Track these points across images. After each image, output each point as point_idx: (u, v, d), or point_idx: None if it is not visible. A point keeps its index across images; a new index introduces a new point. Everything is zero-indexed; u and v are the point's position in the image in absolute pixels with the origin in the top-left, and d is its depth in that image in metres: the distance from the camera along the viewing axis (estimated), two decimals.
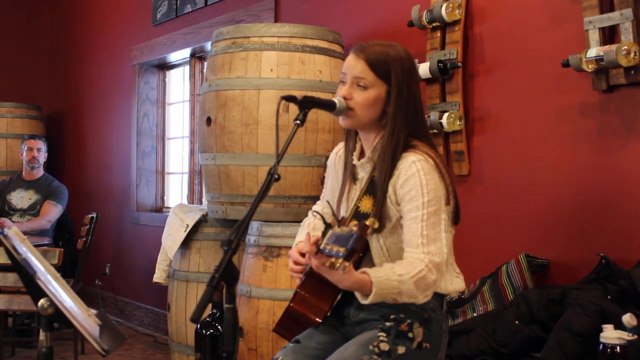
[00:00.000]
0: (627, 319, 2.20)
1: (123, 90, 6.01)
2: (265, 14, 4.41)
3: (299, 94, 2.01)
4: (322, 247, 1.75)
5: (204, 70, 5.02)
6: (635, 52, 2.54)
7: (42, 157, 5.64)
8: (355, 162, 2.09)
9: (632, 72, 2.59)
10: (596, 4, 2.67)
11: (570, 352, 2.35)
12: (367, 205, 2.02)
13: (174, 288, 3.87)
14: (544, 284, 2.89)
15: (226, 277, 1.70)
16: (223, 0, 4.82)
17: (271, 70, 3.40)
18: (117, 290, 6.02)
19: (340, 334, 2.09)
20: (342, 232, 1.73)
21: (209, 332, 3.04)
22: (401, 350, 1.94)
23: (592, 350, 2.30)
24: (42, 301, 1.66)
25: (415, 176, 1.93)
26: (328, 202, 2.21)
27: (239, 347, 3.18)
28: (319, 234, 1.92)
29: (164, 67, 5.85)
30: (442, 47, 3.28)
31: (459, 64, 3.17)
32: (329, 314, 2.04)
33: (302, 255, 2.06)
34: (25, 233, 4.35)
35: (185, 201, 5.48)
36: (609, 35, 2.68)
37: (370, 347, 1.94)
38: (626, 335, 2.18)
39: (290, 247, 2.48)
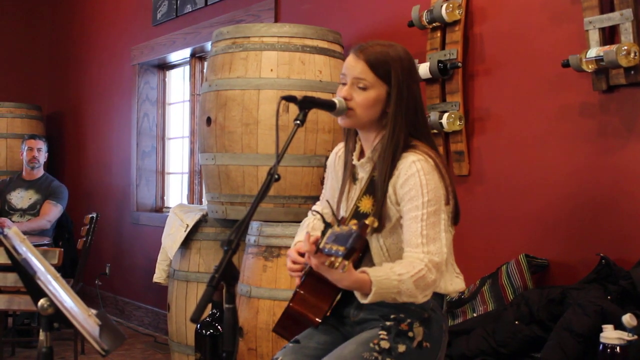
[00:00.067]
0: (627, 319, 2.20)
1: (123, 90, 6.01)
2: (265, 14, 4.41)
3: (299, 94, 2.01)
4: (321, 246, 1.75)
5: (204, 70, 5.02)
6: (635, 53, 2.54)
7: (43, 157, 5.64)
8: (355, 162, 2.09)
9: (632, 72, 2.59)
10: (596, 4, 2.68)
11: (570, 352, 2.35)
12: (366, 205, 2.02)
13: (174, 288, 3.87)
14: (544, 284, 2.89)
15: (226, 277, 1.70)
16: (223, 0, 4.82)
17: (271, 70, 3.40)
18: (117, 290, 6.02)
19: (340, 333, 2.09)
20: (342, 231, 1.73)
21: (209, 332, 3.04)
22: (401, 348, 1.94)
23: (592, 350, 2.30)
24: (42, 301, 1.66)
25: (415, 176, 1.93)
26: (328, 201, 2.22)
27: (239, 347, 3.18)
28: (319, 233, 1.92)
29: (164, 67, 5.85)
30: (442, 47, 3.28)
31: (459, 64, 3.17)
32: (328, 313, 2.04)
33: (301, 254, 2.06)
34: (25, 233, 4.35)
35: (185, 201, 5.48)
36: (609, 35, 2.69)
37: (371, 344, 1.94)
38: (626, 336, 2.18)
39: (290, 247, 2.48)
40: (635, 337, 2.19)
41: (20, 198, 5.47)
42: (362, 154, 2.10)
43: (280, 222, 3.34)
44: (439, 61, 3.20)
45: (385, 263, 1.94)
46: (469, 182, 3.24)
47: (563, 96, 2.89)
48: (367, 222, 1.75)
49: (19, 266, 1.67)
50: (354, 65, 2.00)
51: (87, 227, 4.65)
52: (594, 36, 2.67)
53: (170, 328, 3.94)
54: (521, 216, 3.04)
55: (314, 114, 3.20)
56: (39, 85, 7.26)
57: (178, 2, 5.27)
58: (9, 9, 7.15)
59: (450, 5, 3.17)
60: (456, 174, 3.24)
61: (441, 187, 1.95)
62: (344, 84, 2.02)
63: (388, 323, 1.97)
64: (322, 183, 3.31)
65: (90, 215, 4.76)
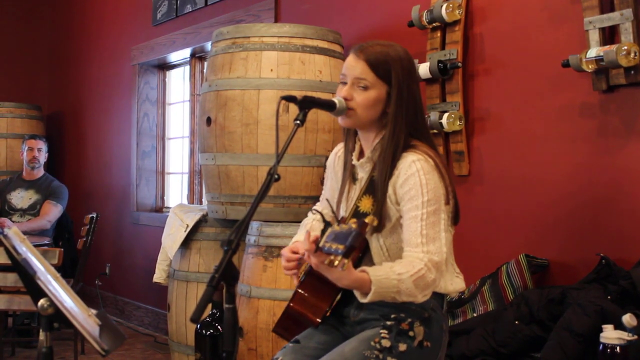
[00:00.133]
0: (627, 319, 2.20)
1: (123, 90, 6.01)
2: (265, 14, 4.41)
3: (299, 94, 2.01)
4: (321, 244, 1.75)
5: (204, 70, 5.02)
6: (635, 53, 2.54)
7: (43, 157, 5.64)
8: (354, 162, 2.09)
9: (632, 72, 2.59)
10: (596, 4, 2.67)
11: (570, 352, 2.35)
12: (366, 205, 2.02)
13: (174, 288, 3.87)
14: (544, 284, 2.89)
15: (226, 277, 1.70)
16: (223, 0, 4.82)
17: (271, 70, 3.40)
18: (117, 290, 6.02)
19: (340, 333, 2.09)
20: (341, 229, 1.73)
21: (209, 332, 3.04)
22: (402, 347, 1.94)
23: (592, 350, 2.30)
24: (42, 301, 1.66)
25: (415, 176, 1.93)
26: (327, 200, 2.22)
27: (239, 347, 3.18)
28: (318, 233, 1.92)
29: (164, 67, 5.85)
30: (442, 47, 3.28)
31: (459, 64, 3.17)
32: (328, 313, 2.04)
33: (294, 252, 2.06)
34: (25, 233, 4.35)
35: (185, 201, 5.48)
36: (609, 35, 2.68)
37: (372, 342, 1.94)
38: (626, 336, 2.18)
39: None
40: (635, 337, 2.19)
41: (21, 198, 5.47)
42: (361, 154, 2.10)
43: (280, 222, 3.34)
44: (439, 61, 3.20)
45: (385, 262, 1.94)
46: (469, 182, 3.24)
47: (563, 96, 2.89)
48: (366, 220, 1.75)
49: (19, 266, 1.67)
50: (354, 65, 2.00)
51: (87, 227, 4.65)
52: (594, 36, 2.67)
53: (170, 328, 3.94)
54: (521, 216, 3.04)
55: (314, 114, 3.20)
56: (39, 85, 7.26)
57: (178, 2, 5.27)
58: (9, 9, 7.15)
59: (450, 5, 3.17)
60: (456, 174, 3.24)
61: (441, 187, 1.95)
62: (344, 84, 2.03)
63: (389, 322, 1.97)
64: (322, 183, 3.31)
65: (90, 215, 4.76)
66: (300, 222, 2.37)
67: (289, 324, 2.08)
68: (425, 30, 3.35)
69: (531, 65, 3.01)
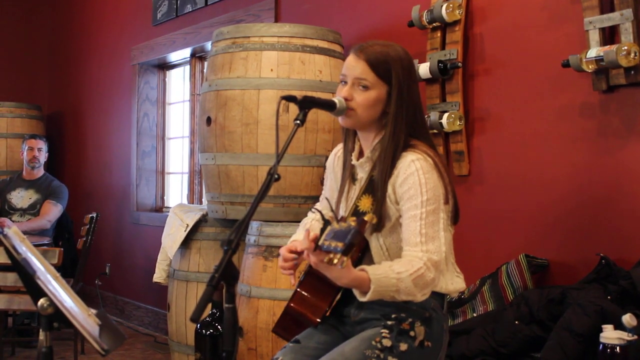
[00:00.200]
0: (627, 319, 2.20)
1: (123, 90, 6.01)
2: (265, 14, 4.41)
3: (299, 94, 2.01)
4: (320, 243, 1.75)
5: (204, 70, 5.02)
6: (635, 53, 2.54)
7: (43, 156, 5.64)
8: (354, 162, 2.10)
9: (632, 72, 2.59)
10: (596, 4, 2.67)
11: (570, 352, 2.35)
12: (366, 204, 2.02)
13: (174, 288, 3.87)
14: (544, 284, 2.89)
15: (226, 277, 1.70)
16: (223, 0, 4.82)
17: (271, 70, 3.40)
18: (117, 290, 6.02)
19: (340, 333, 2.09)
20: (341, 227, 1.73)
21: (209, 332, 3.04)
22: (403, 347, 1.94)
23: (592, 350, 2.30)
24: (42, 301, 1.66)
25: (414, 175, 1.93)
26: (327, 199, 2.22)
27: (239, 347, 3.18)
28: (318, 233, 1.92)
29: (164, 67, 5.85)
30: (442, 47, 3.28)
31: (459, 64, 3.17)
32: (328, 313, 2.04)
33: (291, 251, 2.05)
34: (25, 233, 4.35)
35: (185, 201, 5.48)
36: (609, 35, 2.68)
37: (373, 342, 1.94)
38: (626, 336, 2.18)
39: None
40: (635, 337, 2.19)
41: (21, 198, 5.47)
42: (361, 154, 2.10)
43: (280, 222, 3.34)
44: (439, 61, 3.20)
45: (384, 261, 1.94)
46: (469, 182, 3.24)
47: (563, 96, 2.89)
48: (365, 218, 1.75)
49: (18, 266, 1.67)
50: (354, 66, 2.00)
51: (87, 227, 4.65)
52: (594, 36, 2.67)
53: (170, 328, 3.94)
54: (521, 216, 3.04)
55: (314, 114, 3.19)
56: (39, 85, 7.26)
57: (178, 2, 5.27)
58: (9, 8, 7.15)
59: (450, 5, 3.17)
60: (456, 174, 3.24)
61: (440, 186, 1.95)
62: (344, 84, 2.03)
63: (390, 322, 1.98)
64: (322, 183, 3.31)
65: (90, 215, 4.76)
66: (300, 221, 2.37)
67: (288, 324, 2.08)
68: (425, 30, 3.35)
69: (531, 65, 3.01)
